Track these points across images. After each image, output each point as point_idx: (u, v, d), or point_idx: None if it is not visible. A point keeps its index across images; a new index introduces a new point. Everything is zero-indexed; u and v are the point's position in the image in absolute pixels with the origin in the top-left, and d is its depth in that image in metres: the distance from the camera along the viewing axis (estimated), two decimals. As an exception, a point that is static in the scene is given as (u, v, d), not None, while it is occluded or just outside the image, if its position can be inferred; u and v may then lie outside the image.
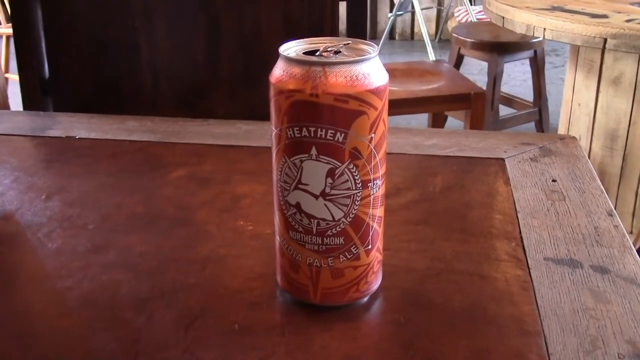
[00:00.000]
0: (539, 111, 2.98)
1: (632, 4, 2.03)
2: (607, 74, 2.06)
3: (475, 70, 3.89)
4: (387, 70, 0.48)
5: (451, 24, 3.84)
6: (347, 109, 0.45)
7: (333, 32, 1.08)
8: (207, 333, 0.49)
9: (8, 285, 0.56)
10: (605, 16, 1.85)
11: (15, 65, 1.11)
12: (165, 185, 0.72)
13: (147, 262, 0.58)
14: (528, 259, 0.58)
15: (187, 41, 1.11)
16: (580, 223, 0.64)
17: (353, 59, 0.46)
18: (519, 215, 0.65)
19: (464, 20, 4.03)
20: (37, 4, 1.08)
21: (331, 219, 0.48)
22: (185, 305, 0.52)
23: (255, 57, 1.11)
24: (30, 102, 1.11)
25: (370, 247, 0.50)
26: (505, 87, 3.45)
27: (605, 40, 1.74)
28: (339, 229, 0.48)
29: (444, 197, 0.69)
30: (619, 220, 0.64)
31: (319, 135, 0.46)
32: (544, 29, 1.86)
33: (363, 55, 0.46)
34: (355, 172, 0.47)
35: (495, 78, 2.83)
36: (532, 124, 3.03)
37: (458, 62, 2.99)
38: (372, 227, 0.49)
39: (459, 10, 4.20)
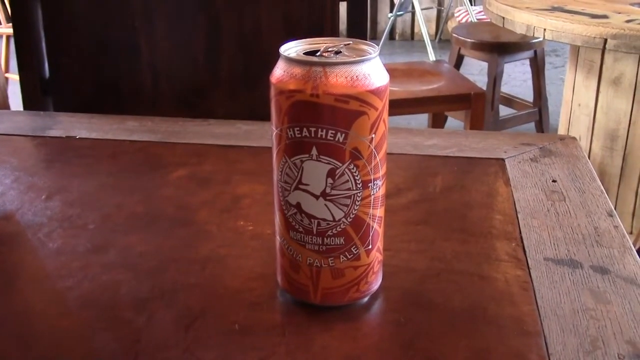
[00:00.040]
0: (539, 111, 2.98)
1: (632, 4, 2.03)
2: (607, 74, 2.06)
3: (476, 71, 3.89)
4: (387, 71, 0.48)
5: (451, 24, 3.85)
6: (348, 109, 0.45)
7: (333, 32, 1.08)
8: (207, 333, 0.49)
9: (8, 285, 0.56)
10: (605, 16, 1.85)
11: (15, 65, 1.11)
12: (166, 185, 0.72)
13: (147, 262, 0.58)
14: (528, 259, 0.58)
15: (187, 41, 1.11)
16: (580, 223, 0.64)
17: (354, 59, 0.46)
18: (519, 215, 0.65)
19: (464, 20, 4.03)
20: (37, 4, 1.08)
21: (331, 219, 0.48)
22: (185, 305, 0.52)
23: (255, 57, 1.11)
24: (31, 102, 1.11)
25: (370, 247, 0.50)
26: (505, 88, 3.45)
27: (606, 40, 1.74)
28: (340, 229, 0.48)
29: (444, 198, 0.69)
30: (619, 220, 0.64)
31: (319, 136, 0.46)
32: (544, 29, 1.86)
33: (364, 56, 0.46)
34: (355, 172, 0.47)
35: (495, 78, 2.83)
36: (532, 124, 3.03)
37: (458, 62, 2.99)
38: (372, 227, 0.49)
39: (459, 10, 4.20)
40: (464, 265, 0.57)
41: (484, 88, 2.54)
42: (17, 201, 0.68)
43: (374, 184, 0.48)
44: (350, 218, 0.48)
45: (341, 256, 0.49)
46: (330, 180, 0.47)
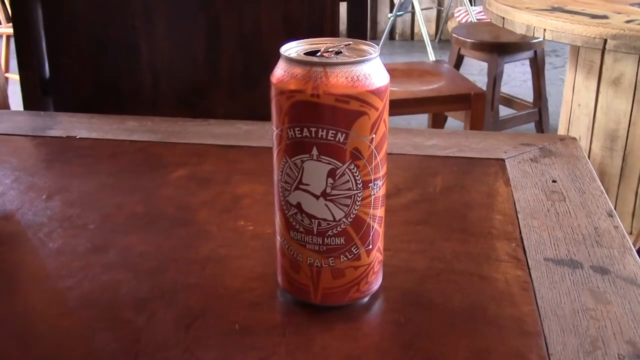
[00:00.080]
0: (538, 112, 2.98)
1: (632, 4, 2.03)
2: (607, 74, 2.06)
3: (475, 71, 3.90)
4: (387, 71, 0.48)
5: (451, 25, 3.85)
6: (348, 110, 0.45)
7: (333, 32, 1.08)
8: (208, 333, 0.49)
9: (9, 285, 0.56)
10: (605, 17, 1.85)
11: (15, 64, 1.11)
12: (166, 185, 0.72)
13: (148, 262, 0.58)
14: (528, 259, 0.58)
15: (187, 41, 1.11)
16: (580, 224, 0.64)
17: (354, 59, 0.46)
18: (519, 215, 0.65)
19: (464, 20, 4.03)
20: (37, 4, 1.08)
21: (332, 219, 0.48)
22: (185, 305, 0.52)
23: (255, 57, 1.11)
24: (31, 102, 1.11)
25: (370, 247, 0.50)
26: (505, 88, 3.45)
27: (605, 41, 1.74)
28: (340, 229, 0.48)
29: (444, 198, 0.69)
30: (619, 220, 0.64)
31: (320, 136, 0.46)
32: (544, 29, 1.86)
33: (364, 56, 0.46)
34: (356, 172, 0.47)
35: (495, 78, 2.83)
36: (532, 125, 3.03)
37: (458, 62, 2.99)
38: (372, 227, 0.49)
39: (459, 10, 4.20)
40: (464, 265, 0.57)
41: (484, 88, 2.54)
42: (17, 201, 0.68)
43: (374, 184, 0.48)
44: (351, 218, 0.48)
45: (341, 256, 0.49)
46: (330, 181, 0.47)
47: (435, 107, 2.46)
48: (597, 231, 0.62)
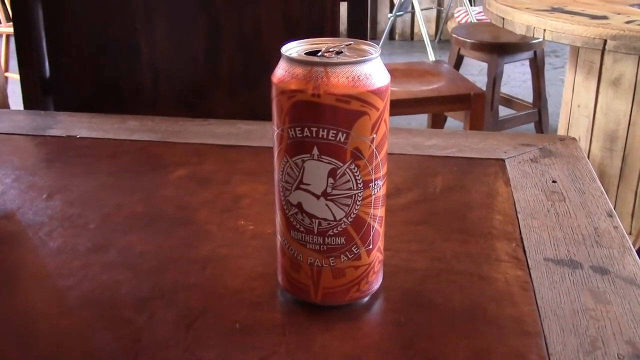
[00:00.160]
0: (538, 112, 2.99)
1: (632, 5, 2.03)
2: (607, 75, 2.06)
3: (475, 71, 3.90)
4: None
5: (451, 25, 3.85)
6: (349, 110, 0.45)
7: (333, 32, 1.08)
8: (208, 333, 0.49)
9: (9, 284, 0.56)
10: (605, 17, 1.85)
11: (15, 64, 1.11)
12: (166, 185, 0.72)
13: (148, 261, 0.58)
14: (528, 259, 0.58)
15: (187, 41, 1.11)
16: (580, 224, 0.64)
17: (355, 59, 0.46)
18: (519, 215, 0.65)
19: (463, 21, 4.03)
20: (38, 4, 1.08)
21: (332, 218, 0.48)
22: (185, 305, 0.52)
23: (255, 57, 1.11)
24: (31, 101, 1.11)
25: (371, 247, 0.50)
26: (505, 88, 3.45)
27: (605, 41, 1.74)
28: (340, 229, 0.48)
29: (444, 198, 0.69)
30: (619, 221, 0.64)
31: (320, 136, 0.46)
32: (544, 30, 1.86)
33: (365, 56, 0.47)
34: (356, 172, 0.47)
35: (495, 79, 2.83)
36: (531, 125, 3.03)
37: (458, 62, 2.99)
38: (373, 227, 0.49)
39: (459, 10, 4.20)
40: (464, 265, 0.57)
41: (484, 88, 2.54)
42: (17, 200, 0.68)
43: (374, 184, 0.48)
44: (351, 218, 0.48)
45: (342, 256, 0.49)
46: (331, 180, 0.47)
47: (435, 107, 2.46)
48: (597, 231, 0.62)
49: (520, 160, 0.77)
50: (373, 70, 0.46)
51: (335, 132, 0.46)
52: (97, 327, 0.50)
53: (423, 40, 4.16)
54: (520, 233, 0.62)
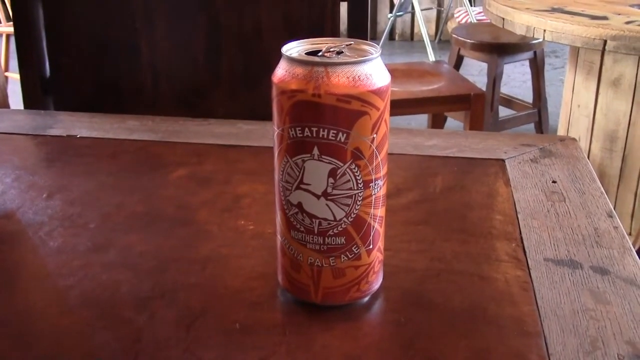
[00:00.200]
0: (538, 112, 2.99)
1: (632, 5, 2.03)
2: (607, 75, 2.06)
3: (475, 71, 3.90)
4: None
5: (451, 25, 3.85)
6: (350, 110, 0.45)
7: (334, 32, 1.08)
8: (208, 333, 0.49)
9: (9, 284, 0.56)
10: (605, 18, 1.85)
11: (15, 64, 1.11)
12: (166, 184, 0.72)
13: (148, 261, 0.58)
14: (528, 259, 0.58)
15: (187, 41, 1.11)
16: (580, 224, 0.64)
17: (355, 59, 0.46)
18: (519, 216, 0.65)
19: (463, 21, 4.03)
20: (38, 4, 1.08)
21: (333, 218, 0.48)
22: (185, 305, 0.52)
23: (255, 57, 1.11)
24: (31, 101, 1.11)
25: (371, 247, 0.50)
26: (505, 88, 3.46)
27: (605, 41, 1.74)
28: (341, 229, 0.48)
29: (444, 198, 0.69)
30: (619, 221, 0.64)
31: (321, 136, 0.46)
32: (544, 30, 1.86)
33: (365, 56, 0.47)
34: (357, 172, 0.47)
35: (495, 79, 2.83)
36: (531, 125, 3.03)
37: (458, 63, 2.99)
38: (373, 227, 0.49)
39: (459, 11, 4.20)
40: (464, 265, 0.57)
41: (484, 89, 2.54)
42: (17, 200, 0.68)
43: (375, 184, 0.48)
44: (352, 218, 0.48)
45: (342, 256, 0.49)
46: (331, 180, 0.47)
47: (435, 108, 2.46)
48: (597, 232, 0.62)
49: (520, 160, 0.77)
50: (373, 70, 0.46)
51: (335, 132, 0.46)
52: (97, 327, 0.50)
53: (423, 41, 4.16)
54: (520, 233, 0.62)
